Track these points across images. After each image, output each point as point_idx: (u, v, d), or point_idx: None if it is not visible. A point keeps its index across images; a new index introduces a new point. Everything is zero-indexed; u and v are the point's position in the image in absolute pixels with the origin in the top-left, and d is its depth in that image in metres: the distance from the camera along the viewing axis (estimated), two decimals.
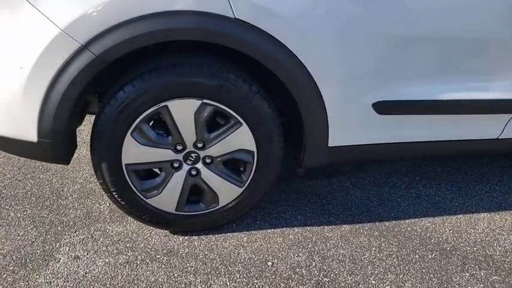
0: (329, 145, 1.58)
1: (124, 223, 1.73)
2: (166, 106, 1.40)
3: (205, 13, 1.27)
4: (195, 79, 1.39)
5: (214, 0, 1.26)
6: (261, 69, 1.42)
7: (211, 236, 1.67)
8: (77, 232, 1.69)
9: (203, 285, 1.46)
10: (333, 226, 1.74)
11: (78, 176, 2.03)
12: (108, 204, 1.85)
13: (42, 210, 1.81)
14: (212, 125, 1.49)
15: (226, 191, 1.61)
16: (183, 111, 1.43)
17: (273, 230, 1.71)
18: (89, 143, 1.49)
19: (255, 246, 1.63)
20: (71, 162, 1.75)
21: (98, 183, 1.96)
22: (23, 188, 1.95)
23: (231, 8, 1.28)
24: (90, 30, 1.26)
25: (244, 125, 1.48)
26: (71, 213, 1.79)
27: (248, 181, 1.60)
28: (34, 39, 1.27)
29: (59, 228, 1.71)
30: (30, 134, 1.39)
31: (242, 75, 1.43)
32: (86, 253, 1.59)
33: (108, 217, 1.77)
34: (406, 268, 1.55)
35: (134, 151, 1.47)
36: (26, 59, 1.29)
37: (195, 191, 1.61)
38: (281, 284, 1.47)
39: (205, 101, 1.42)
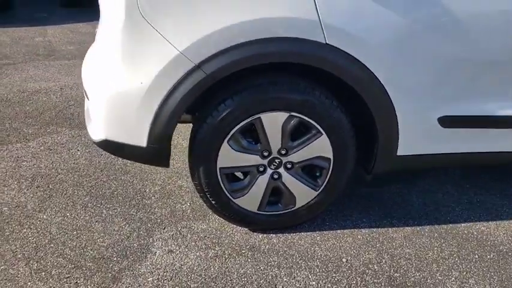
0: (397, 154, 1.76)
1: (207, 221, 1.93)
2: (259, 118, 1.60)
3: (303, 39, 1.47)
4: (285, 95, 1.59)
5: (310, 29, 1.46)
6: (339, 85, 1.61)
7: (287, 234, 1.86)
8: (166, 229, 1.89)
9: (288, 277, 1.64)
10: (396, 228, 1.91)
11: (156, 178, 2.24)
12: (189, 204, 2.05)
13: (130, 208, 2.02)
14: (295, 134, 1.69)
15: (303, 194, 1.80)
16: (273, 122, 1.63)
17: (342, 230, 1.89)
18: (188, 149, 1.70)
19: (328, 244, 1.81)
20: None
21: (176, 185, 2.18)
22: (108, 188, 2.17)
23: (324, 36, 1.47)
24: (204, 53, 1.46)
25: (324, 135, 1.67)
26: (157, 211, 2.00)
27: (323, 185, 1.79)
28: (155, 59, 1.48)
29: (149, 225, 1.91)
30: (141, 140, 1.60)
31: (324, 92, 1.62)
32: (178, 247, 1.78)
33: (191, 215, 1.97)
34: (468, 266, 1.71)
35: (228, 156, 1.67)
36: (147, 76, 1.50)
37: (274, 193, 1.81)
38: (357, 277, 1.64)
39: (292, 113, 1.61)
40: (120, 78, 1.53)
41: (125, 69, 1.52)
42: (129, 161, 2.35)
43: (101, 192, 2.13)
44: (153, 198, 2.10)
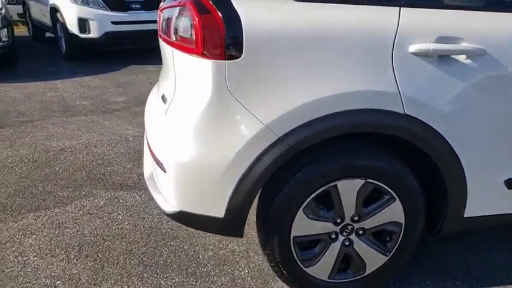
0: (464, 216, 1.78)
1: None
2: (335, 185, 1.61)
3: (384, 111, 1.52)
4: (362, 162, 1.61)
5: (390, 101, 1.52)
6: (410, 151, 1.65)
7: None
8: None
9: None
10: None
11: (206, 243, 2.19)
12: (247, 271, 1.99)
13: (188, 277, 1.95)
14: (367, 200, 1.70)
15: (373, 259, 1.78)
16: (349, 189, 1.63)
17: None
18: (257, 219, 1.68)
19: None
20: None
21: (228, 250, 2.13)
22: (160, 255, 2.10)
23: (403, 106, 1.53)
24: (287, 126, 1.49)
25: (397, 200, 1.69)
26: (217, 280, 1.94)
27: (393, 250, 1.78)
28: (240, 132, 1.50)
29: None
30: (219, 211, 1.58)
31: (399, 158, 1.65)
32: None
33: (252, 284, 1.91)
34: None
35: (303, 225, 1.65)
36: (230, 148, 1.51)
37: (344, 260, 1.78)
38: None
39: (368, 180, 1.63)
40: (202, 150, 1.53)
41: (207, 141, 1.53)
42: (175, 225, 2.31)
43: (153, 260, 2.06)
44: (208, 265, 2.03)
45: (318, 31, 1.47)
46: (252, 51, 1.43)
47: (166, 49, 1.75)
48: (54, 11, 6.53)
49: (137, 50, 7.07)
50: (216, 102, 1.48)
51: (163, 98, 1.82)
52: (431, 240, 1.90)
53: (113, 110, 4.31)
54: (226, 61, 1.44)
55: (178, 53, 1.59)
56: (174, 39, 1.58)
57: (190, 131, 1.54)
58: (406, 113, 1.53)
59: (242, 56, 1.43)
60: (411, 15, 1.52)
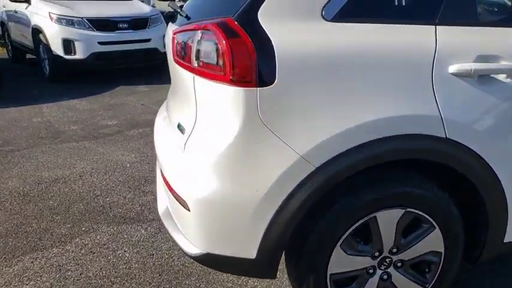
0: (504, 241, 1.68)
1: None
2: (375, 217, 1.49)
3: (425, 135, 1.42)
4: (402, 190, 1.50)
5: (432, 125, 1.42)
6: (448, 176, 1.55)
7: None
8: None
9: None
10: None
11: (224, 280, 2.02)
12: None
13: None
14: (406, 230, 1.58)
15: None
16: (388, 220, 1.52)
17: None
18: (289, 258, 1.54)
19: None
20: None
21: (249, 286, 1.97)
22: None
23: (445, 131, 1.43)
24: (325, 155, 1.37)
25: (437, 229, 1.57)
26: None
27: (433, 281, 1.66)
28: (273, 164, 1.37)
29: None
30: (251, 251, 1.44)
31: (439, 184, 1.55)
32: None
33: None
34: None
35: (340, 261, 1.52)
36: (263, 182, 1.38)
37: None
38: None
39: (408, 209, 1.52)
40: (231, 186, 1.40)
41: (237, 176, 1.39)
42: (188, 261, 2.14)
43: None
44: None
45: (353, 53, 1.36)
46: (286, 77, 1.32)
47: (183, 75, 1.62)
48: (36, 32, 6.31)
49: (126, 70, 6.89)
50: (246, 133, 1.35)
51: (180, 128, 1.67)
52: (469, 267, 1.80)
53: (105, 134, 4.12)
54: (258, 88, 1.32)
55: (201, 80, 1.46)
56: (196, 65, 1.45)
57: (217, 165, 1.40)
58: (447, 136, 1.43)
59: (275, 82, 1.31)
60: (448, 33, 1.43)
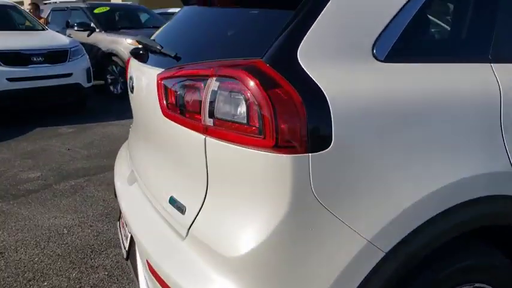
0: None
1: None
2: None
3: (502, 196, 1.16)
4: (471, 264, 1.22)
5: (508, 183, 1.17)
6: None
7: None
8: None
9: None
10: None
11: None
12: None
13: None
14: None
15: None
16: None
17: None
18: None
19: None
20: None
21: None
22: None
23: None
24: (396, 237, 1.04)
25: None
26: None
27: None
28: (334, 252, 1.00)
29: None
30: None
31: (504, 251, 1.31)
32: None
33: None
34: None
35: None
36: (321, 280, 1.00)
37: None
38: None
39: (476, 285, 1.25)
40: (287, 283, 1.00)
41: (284, 276, 0.99)
42: None
43: None
44: None
45: (421, 102, 1.07)
46: (345, 137, 0.98)
47: (180, 135, 1.19)
48: None
49: (42, 110, 6.01)
50: (295, 215, 0.97)
51: (175, 203, 1.23)
52: None
53: (27, 191, 3.38)
54: (310, 154, 0.96)
55: (218, 144, 1.06)
56: (211, 124, 1.05)
57: (252, 264, 1.00)
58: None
59: (331, 144, 0.97)
60: (507, 71, 1.22)
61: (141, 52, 1.65)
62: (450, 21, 1.29)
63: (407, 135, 1.05)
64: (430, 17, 1.24)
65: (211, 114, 1.05)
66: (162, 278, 1.19)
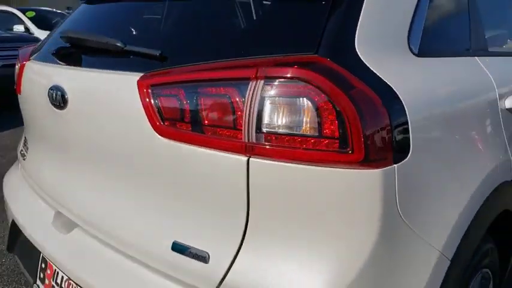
0: None
1: None
2: None
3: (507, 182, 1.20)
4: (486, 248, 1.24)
5: (508, 171, 1.21)
6: None
7: None
8: None
9: None
10: None
11: None
12: None
13: None
14: None
15: None
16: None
17: None
18: None
19: None
20: None
21: None
22: None
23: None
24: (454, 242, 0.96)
25: (491, 281, 1.39)
26: None
27: None
28: (416, 273, 0.87)
29: None
30: None
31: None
32: None
33: None
34: None
35: None
36: None
37: None
38: None
39: (483, 270, 1.27)
40: None
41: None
42: None
43: None
44: None
45: (458, 97, 1.03)
46: (419, 141, 0.86)
47: (189, 158, 0.89)
48: None
49: None
50: (387, 241, 0.81)
51: (184, 250, 0.92)
52: None
53: None
54: (396, 165, 0.81)
55: (270, 166, 0.81)
56: (260, 140, 0.80)
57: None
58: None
59: (410, 152, 0.83)
60: (493, 65, 1.28)
61: (65, 52, 1.23)
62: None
63: (458, 132, 0.99)
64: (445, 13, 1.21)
65: (259, 128, 0.80)
66: None
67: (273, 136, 0.80)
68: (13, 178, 1.69)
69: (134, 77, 0.96)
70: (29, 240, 1.40)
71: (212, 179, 0.88)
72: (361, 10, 0.87)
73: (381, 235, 0.79)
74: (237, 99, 0.81)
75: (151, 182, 0.99)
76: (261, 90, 0.79)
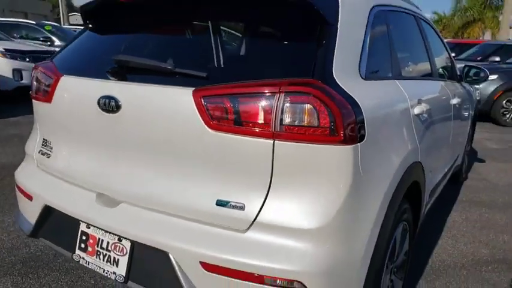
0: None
1: None
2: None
3: (416, 162, 1.86)
4: (406, 207, 1.88)
5: (416, 154, 1.88)
6: None
7: None
8: None
9: None
10: None
11: None
12: None
13: None
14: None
15: None
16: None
17: None
18: None
19: None
20: None
21: None
22: None
23: (418, 156, 1.92)
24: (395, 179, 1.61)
25: (408, 231, 2.05)
26: None
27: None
28: (371, 216, 1.46)
29: None
30: None
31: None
32: None
33: None
34: None
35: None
36: (368, 229, 1.45)
37: None
38: None
39: (404, 223, 1.91)
40: (346, 247, 1.37)
41: (350, 233, 1.38)
42: None
43: None
44: None
45: (388, 105, 1.67)
46: (369, 131, 1.45)
47: (231, 143, 1.38)
48: None
49: None
50: (354, 188, 1.38)
51: (226, 204, 1.40)
52: None
53: None
54: (359, 144, 1.39)
55: (287, 145, 1.34)
56: (282, 129, 1.32)
57: (330, 230, 1.35)
58: (419, 160, 1.94)
59: (365, 137, 1.42)
60: (404, 85, 1.95)
61: (115, 70, 1.64)
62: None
63: (389, 127, 1.61)
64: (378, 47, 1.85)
65: (281, 122, 1.33)
66: (234, 268, 1.36)
67: (290, 127, 1.33)
68: (31, 174, 1.99)
69: (188, 90, 1.43)
70: (65, 220, 1.75)
71: (247, 156, 1.39)
72: (334, 53, 1.45)
73: (352, 182, 1.37)
74: (268, 105, 1.33)
75: (199, 162, 1.46)
76: (283, 100, 1.32)
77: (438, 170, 2.62)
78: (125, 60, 1.61)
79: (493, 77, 7.14)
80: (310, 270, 1.32)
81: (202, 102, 1.40)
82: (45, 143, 1.98)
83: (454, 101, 2.86)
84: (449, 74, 3.23)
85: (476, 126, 4.55)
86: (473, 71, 3.47)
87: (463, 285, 2.46)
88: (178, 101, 1.46)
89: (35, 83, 1.99)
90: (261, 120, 1.35)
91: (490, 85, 7.55)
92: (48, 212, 1.84)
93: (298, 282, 1.32)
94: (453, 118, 2.87)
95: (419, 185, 1.99)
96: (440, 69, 3.00)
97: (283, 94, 1.33)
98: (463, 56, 10.00)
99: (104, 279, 2.34)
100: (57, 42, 10.54)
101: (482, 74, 3.43)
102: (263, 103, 1.34)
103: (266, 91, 1.35)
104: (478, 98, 5.18)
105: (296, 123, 1.33)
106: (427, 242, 2.96)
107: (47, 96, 1.88)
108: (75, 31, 12.92)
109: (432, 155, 2.26)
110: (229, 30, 1.75)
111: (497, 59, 9.36)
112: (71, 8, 35.15)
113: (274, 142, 1.35)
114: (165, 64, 1.52)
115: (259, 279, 1.33)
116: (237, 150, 1.40)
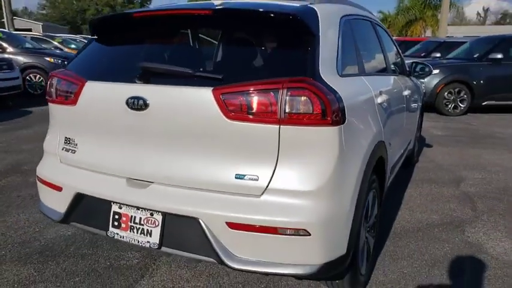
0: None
1: None
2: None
3: (381, 141, 2.35)
4: (374, 177, 2.36)
5: (380, 135, 2.36)
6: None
7: None
8: None
9: None
10: None
11: None
12: None
13: None
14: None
15: None
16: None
17: None
18: None
19: None
20: None
21: None
22: None
23: (382, 136, 2.40)
24: (372, 145, 2.05)
25: (377, 198, 2.54)
26: None
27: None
28: (350, 180, 1.91)
29: None
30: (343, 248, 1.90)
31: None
32: None
33: None
34: None
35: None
36: (349, 192, 1.89)
37: None
38: None
39: (373, 191, 2.39)
40: (339, 202, 1.82)
41: (339, 193, 1.83)
42: None
43: None
44: None
45: (360, 94, 2.14)
46: (348, 116, 1.90)
47: (246, 130, 1.77)
48: None
49: None
50: (340, 159, 1.82)
51: (242, 177, 1.79)
52: None
53: None
54: (342, 125, 1.83)
55: (290, 129, 1.75)
56: (285, 117, 1.73)
57: (326, 189, 1.78)
58: (383, 139, 2.43)
59: (346, 120, 1.87)
60: (368, 80, 2.43)
61: (140, 75, 1.98)
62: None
63: (361, 113, 2.08)
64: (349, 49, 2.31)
65: (284, 111, 1.74)
66: (254, 224, 1.76)
67: (291, 115, 1.75)
68: (55, 169, 2.27)
69: (208, 89, 1.81)
70: (96, 205, 2.07)
71: (258, 139, 1.79)
72: (319, 56, 1.89)
73: (338, 154, 1.81)
74: (274, 98, 1.74)
75: (219, 146, 1.84)
76: (285, 94, 1.74)
77: (396, 150, 3.15)
78: (152, 67, 1.97)
79: (435, 71, 7.97)
80: (312, 220, 1.75)
81: (221, 98, 1.79)
82: (67, 141, 2.26)
83: (406, 92, 3.41)
84: (400, 69, 3.79)
85: (423, 116, 5.22)
86: (419, 66, 4.06)
87: (420, 243, 3.00)
88: (199, 98, 1.84)
89: (53, 89, 2.26)
90: (268, 110, 1.76)
91: (433, 79, 8.41)
92: (79, 199, 2.14)
93: (303, 230, 1.74)
94: (406, 107, 3.43)
95: (383, 160, 2.49)
96: (393, 66, 3.54)
97: (286, 89, 1.74)
98: (408, 52, 10.93)
99: (119, 260, 2.65)
100: (9, 49, 10.17)
101: (427, 69, 4.02)
102: (270, 97, 1.75)
103: (272, 87, 1.76)
104: (424, 91, 5.87)
105: (296, 111, 1.75)
106: (390, 213, 3.50)
107: (71, 99, 2.17)
108: (25, 37, 12.68)
109: (392, 137, 2.78)
110: (238, 41, 2.16)
111: (438, 54, 10.37)
112: (14, 13, 33.65)
113: (280, 127, 1.76)
114: (186, 69, 1.90)
115: (274, 230, 1.74)
116: (250, 135, 1.80)
